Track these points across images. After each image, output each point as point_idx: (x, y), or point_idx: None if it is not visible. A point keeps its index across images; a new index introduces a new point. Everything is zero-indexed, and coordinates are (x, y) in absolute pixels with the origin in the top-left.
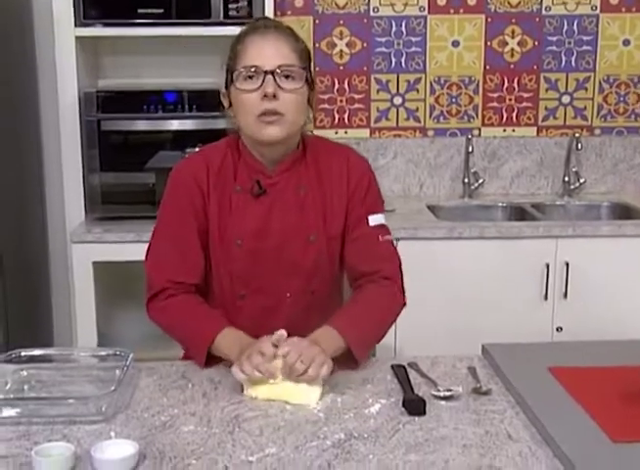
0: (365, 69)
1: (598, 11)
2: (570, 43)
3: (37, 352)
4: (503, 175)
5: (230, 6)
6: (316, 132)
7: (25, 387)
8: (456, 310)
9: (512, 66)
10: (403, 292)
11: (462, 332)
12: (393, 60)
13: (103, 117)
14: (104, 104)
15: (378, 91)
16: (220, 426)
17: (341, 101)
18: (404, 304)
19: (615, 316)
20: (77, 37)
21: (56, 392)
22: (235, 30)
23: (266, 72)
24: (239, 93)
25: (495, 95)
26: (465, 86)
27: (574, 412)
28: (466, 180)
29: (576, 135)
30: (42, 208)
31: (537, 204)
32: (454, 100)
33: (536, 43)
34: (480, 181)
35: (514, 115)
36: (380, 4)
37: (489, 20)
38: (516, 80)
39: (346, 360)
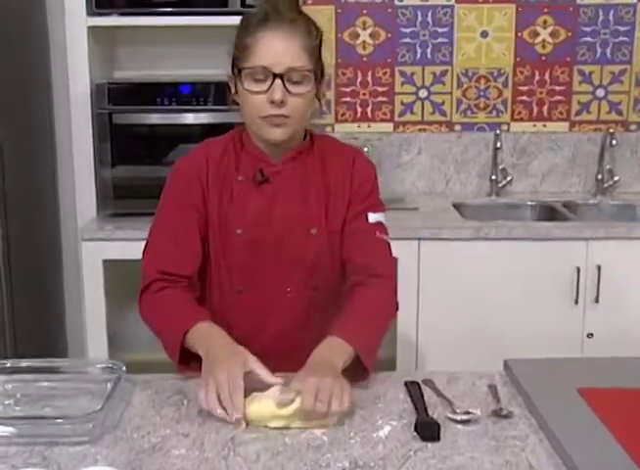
0: (389, 60)
1: (636, 0)
2: (605, 34)
3: (25, 363)
4: (533, 173)
5: None
6: (338, 126)
7: (10, 401)
8: (481, 315)
9: (543, 58)
10: (396, 291)
11: (487, 338)
12: (419, 51)
13: (114, 110)
14: (115, 96)
15: (402, 84)
16: (214, 449)
17: (363, 94)
18: (397, 307)
19: None
20: (90, 27)
21: (40, 407)
22: None
23: (275, 75)
24: (245, 93)
25: (525, 88)
26: (494, 79)
27: (605, 441)
28: (494, 177)
29: (611, 131)
30: (55, 203)
31: (568, 203)
32: (482, 93)
33: (570, 34)
34: (509, 179)
35: (545, 109)
36: None
37: (520, 9)
38: (547, 73)
39: (350, 373)
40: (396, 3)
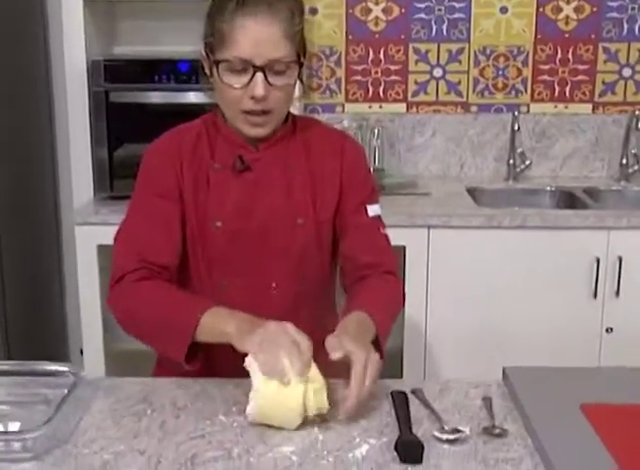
0: (402, 37)
1: None
2: (633, 9)
3: None
4: (553, 157)
5: None
6: (348, 106)
7: None
8: (493, 308)
9: (566, 35)
10: (403, 288)
11: (499, 332)
12: (434, 27)
13: (111, 88)
14: (112, 73)
15: (416, 62)
16: None
17: (375, 72)
18: (404, 300)
19: None
20: (87, 0)
21: None
22: None
23: (255, 68)
24: (223, 86)
25: (547, 67)
26: (513, 57)
27: None
28: (511, 161)
29: (637, 113)
30: (54, 186)
31: (590, 189)
32: (501, 73)
33: (595, 9)
34: (527, 163)
35: (567, 89)
36: None
37: None
38: (570, 51)
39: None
40: None
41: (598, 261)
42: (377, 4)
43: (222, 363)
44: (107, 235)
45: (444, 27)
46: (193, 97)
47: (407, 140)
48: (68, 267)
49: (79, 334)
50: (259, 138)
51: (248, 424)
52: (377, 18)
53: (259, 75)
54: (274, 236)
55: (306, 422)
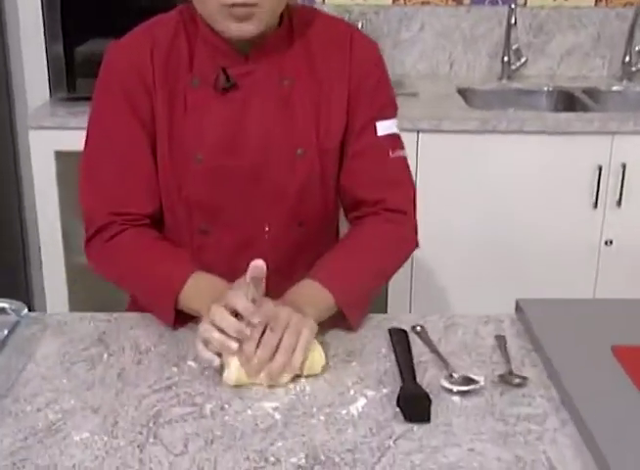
0: None
1: None
2: None
3: None
4: (550, 53)
5: None
6: None
7: None
8: (488, 219)
9: None
10: (416, 229)
11: (494, 244)
12: None
13: None
14: None
15: None
16: (128, 433)
17: None
18: (416, 245)
19: None
20: None
21: None
22: None
23: None
24: None
25: None
26: None
27: None
28: (506, 58)
29: None
30: (7, 86)
31: (590, 89)
32: None
33: None
34: (523, 60)
35: None
36: None
37: None
38: None
39: (335, 320)
40: None
41: (600, 169)
42: None
43: None
44: (65, 140)
45: None
46: None
47: (393, 35)
48: (26, 175)
49: (38, 245)
50: (248, 41)
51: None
52: None
53: None
54: (267, 172)
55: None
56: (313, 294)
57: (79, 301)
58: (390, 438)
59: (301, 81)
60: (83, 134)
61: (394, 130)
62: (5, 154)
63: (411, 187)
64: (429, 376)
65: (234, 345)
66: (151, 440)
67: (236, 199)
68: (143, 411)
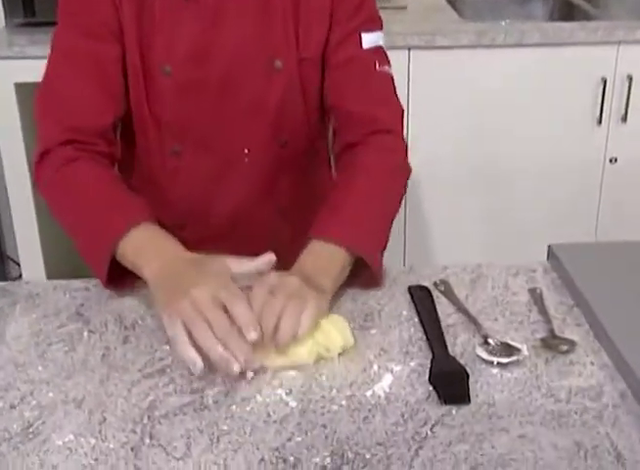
0: None
1: None
2: None
3: None
4: None
5: None
6: None
7: None
8: (485, 142)
9: None
10: (407, 151)
11: (492, 165)
12: None
13: None
14: None
15: None
16: (120, 432)
17: None
18: (410, 170)
19: None
20: None
21: None
22: None
23: None
24: None
25: None
26: None
27: None
28: None
29: None
30: None
31: None
32: None
33: None
34: None
35: None
36: None
37: None
38: None
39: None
40: None
41: (604, 82)
42: None
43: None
44: (25, 71)
45: None
46: None
47: None
48: None
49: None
50: None
51: None
52: None
53: None
54: (242, 86)
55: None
56: (325, 257)
57: (52, 243)
58: (426, 424)
59: None
60: (42, 66)
61: (380, 43)
62: None
63: (399, 105)
64: (461, 343)
65: (237, 367)
66: (146, 440)
67: (209, 116)
68: (134, 403)
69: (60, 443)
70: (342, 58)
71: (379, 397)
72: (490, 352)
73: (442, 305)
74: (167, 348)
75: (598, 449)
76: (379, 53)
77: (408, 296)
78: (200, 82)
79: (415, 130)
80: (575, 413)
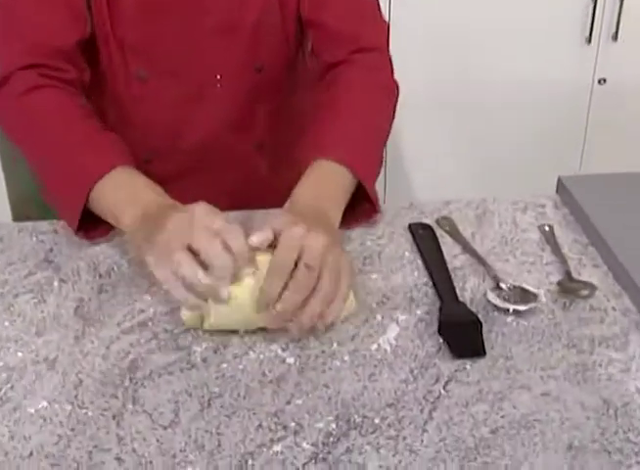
0: None
1: None
2: None
3: None
4: None
5: None
6: None
7: None
8: (470, 59)
9: None
10: (393, 70)
11: (477, 87)
12: None
13: None
14: None
15: None
16: (100, 398)
17: None
18: (398, 90)
19: None
20: None
21: None
22: None
23: None
24: None
25: None
26: None
27: None
28: None
29: None
30: None
31: None
32: None
33: None
34: None
35: None
36: None
37: None
38: None
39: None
40: None
41: None
42: None
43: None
44: None
45: None
46: None
47: None
48: None
49: None
50: None
51: None
52: None
53: None
54: (213, 4)
55: None
56: (334, 178)
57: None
58: (439, 382)
59: None
60: None
61: None
62: None
63: (384, 21)
64: (470, 288)
65: (225, 292)
66: (129, 406)
67: (176, 37)
68: (114, 362)
69: (32, 410)
70: None
71: (385, 351)
72: (504, 299)
73: (447, 246)
74: (148, 298)
75: (628, 408)
76: None
77: (409, 235)
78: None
79: (397, 53)
80: (600, 366)
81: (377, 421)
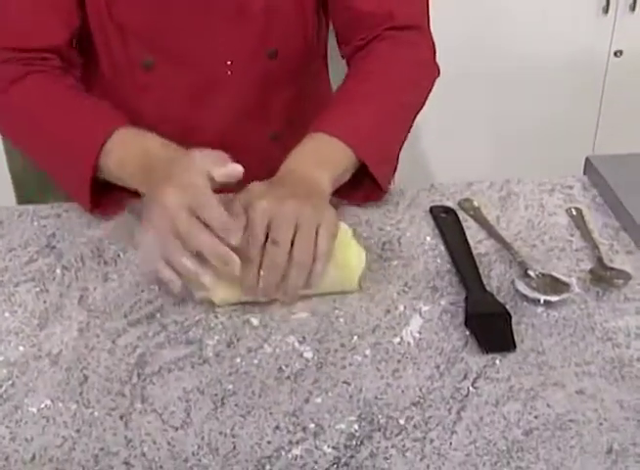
0: None
1: None
2: None
3: None
4: None
5: None
6: None
7: None
8: (483, 28)
9: None
10: (435, 50)
11: (489, 61)
12: None
13: None
14: None
15: None
16: (106, 396)
17: None
18: (438, 72)
19: None
20: None
21: None
22: None
23: None
24: None
25: None
26: None
27: None
28: None
29: None
30: None
31: None
32: None
33: None
34: None
35: None
36: None
37: None
38: None
39: (350, 190)
40: None
41: None
42: None
43: None
44: None
45: None
46: None
47: None
48: None
49: None
50: None
51: None
52: None
53: None
54: None
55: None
56: (329, 149)
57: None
58: (467, 378)
59: None
60: None
61: None
62: None
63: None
64: (496, 276)
65: (207, 279)
66: (137, 405)
67: (183, 22)
68: (120, 357)
69: (34, 410)
70: None
71: (408, 344)
72: (533, 288)
73: (471, 230)
74: (155, 288)
75: None
76: None
77: (430, 218)
78: None
79: None
80: (638, 361)
81: (402, 422)
